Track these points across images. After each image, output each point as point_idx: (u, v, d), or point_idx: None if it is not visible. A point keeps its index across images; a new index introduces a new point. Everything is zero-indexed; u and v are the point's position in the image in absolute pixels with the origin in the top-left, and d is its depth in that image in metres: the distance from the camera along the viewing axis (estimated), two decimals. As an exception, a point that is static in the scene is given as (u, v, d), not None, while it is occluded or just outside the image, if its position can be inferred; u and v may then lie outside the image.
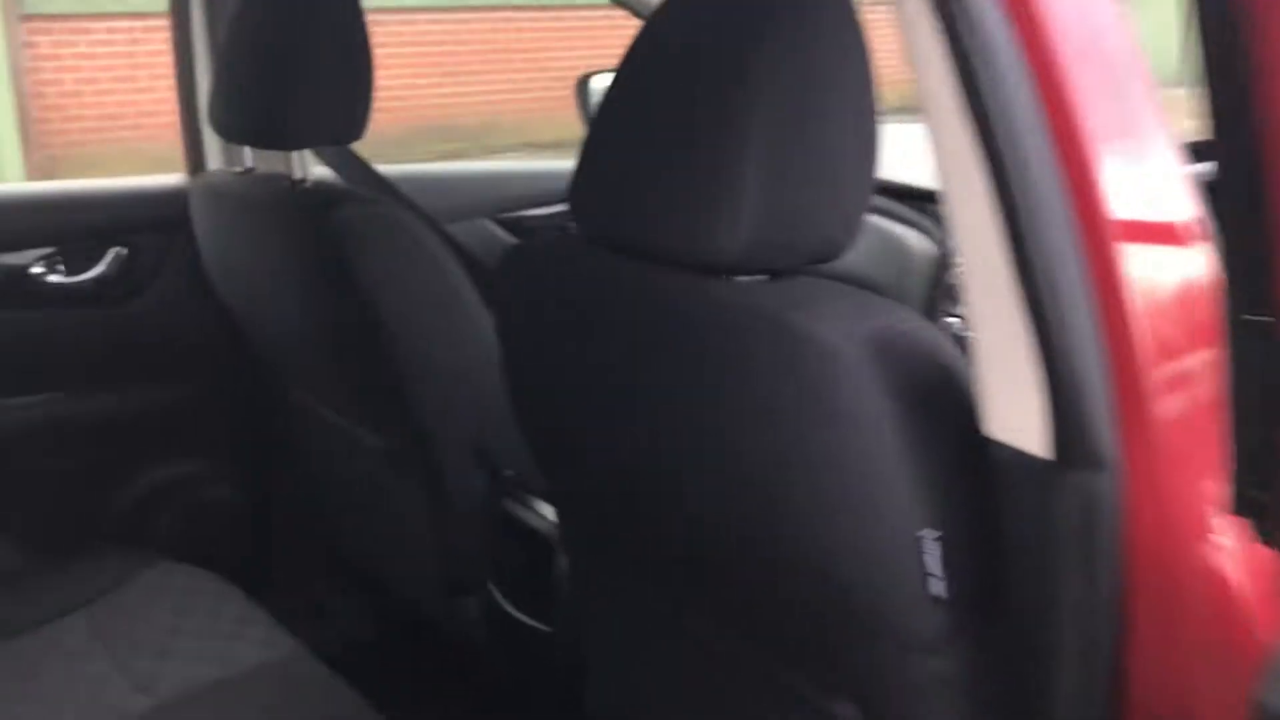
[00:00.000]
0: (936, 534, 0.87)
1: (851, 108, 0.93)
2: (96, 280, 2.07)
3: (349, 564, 2.23)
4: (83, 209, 2.05)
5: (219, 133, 1.75)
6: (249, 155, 1.90)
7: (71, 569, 1.80)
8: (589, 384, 1.15)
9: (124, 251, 2.07)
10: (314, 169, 2.19)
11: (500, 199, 2.39)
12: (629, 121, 1.02)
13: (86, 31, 7.36)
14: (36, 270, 2.01)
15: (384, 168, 2.14)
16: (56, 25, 7.29)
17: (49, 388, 2.04)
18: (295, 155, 1.71)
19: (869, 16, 0.96)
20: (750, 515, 0.99)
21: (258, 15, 1.62)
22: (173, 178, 2.13)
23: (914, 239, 2.04)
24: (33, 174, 7.03)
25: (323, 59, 1.58)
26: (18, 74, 6.99)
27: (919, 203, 2.07)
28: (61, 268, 2.04)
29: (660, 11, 1.01)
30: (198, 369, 2.18)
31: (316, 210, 1.59)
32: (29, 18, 7.11)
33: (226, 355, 2.18)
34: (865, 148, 0.94)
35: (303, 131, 1.62)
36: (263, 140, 1.68)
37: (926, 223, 2.05)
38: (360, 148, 1.85)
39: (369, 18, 1.60)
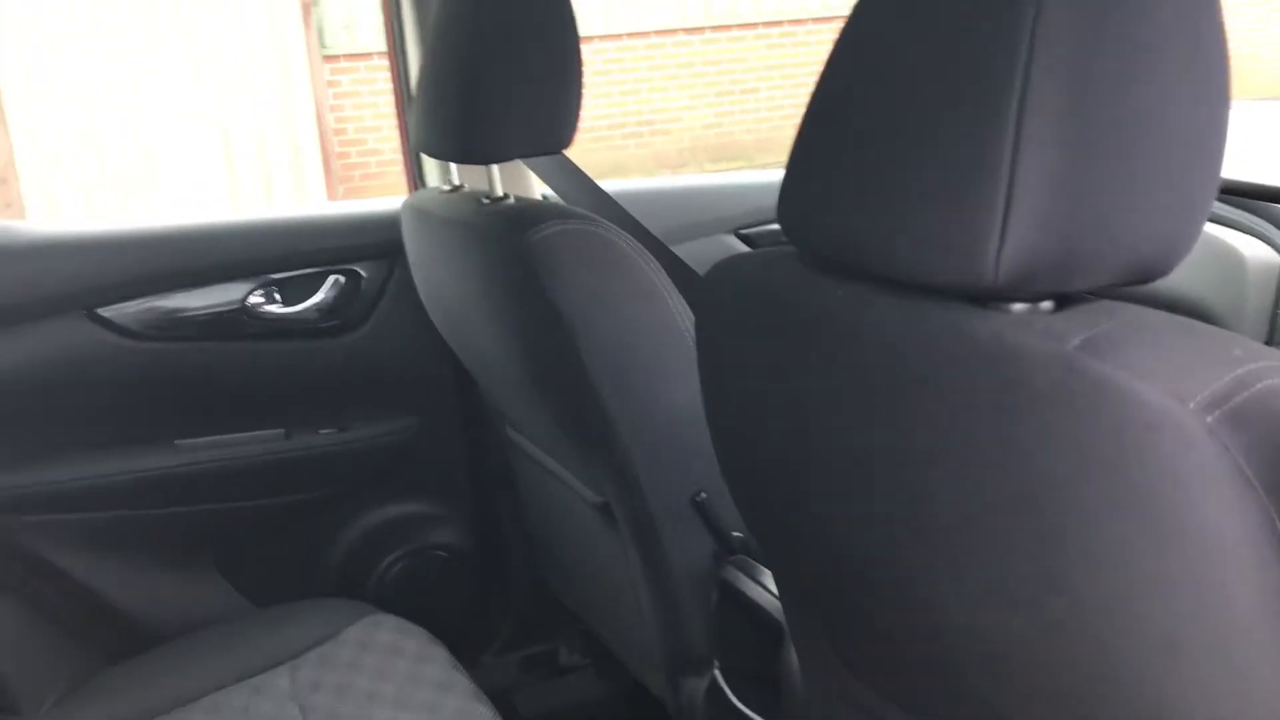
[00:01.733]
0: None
1: (1185, 74, 0.63)
2: (316, 310, 1.97)
3: (574, 624, 2.03)
4: (300, 236, 1.96)
5: (421, 150, 1.61)
6: (455, 173, 1.75)
7: (282, 619, 1.77)
8: (799, 434, 0.88)
9: (343, 280, 1.97)
10: (537, 187, 2.01)
11: (743, 212, 2.13)
12: (850, 114, 0.77)
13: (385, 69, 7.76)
14: (254, 301, 1.94)
15: (611, 183, 1.92)
16: (358, 63, 7.71)
17: (267, 423, 1.96)
18: (495, 170, 1.53)
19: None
20: (1038, 641, 0.67)
21: (455, 24, 1.46)
22: (392, 201, 2.01)
23: (1252, 248, 1.62)
24: (333, 206, 7.44)
25: (522, 66, 1.41)
26: (321, 111, 7.43)
27: (1257, 203, 1.66)
28: (279, 298, 1.95)
29: None
30: (420, 404, 2.05)
31: (511, 228, 1.40)
32: (332, 58, 7.56)
33: (448, 390, 2.04)
34: (1207, 128, 0.64)
35: (498, 143, 1.45)
36: (459, 154, 1.52)
37: (1267, 228, 1.63)
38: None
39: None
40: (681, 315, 1.43)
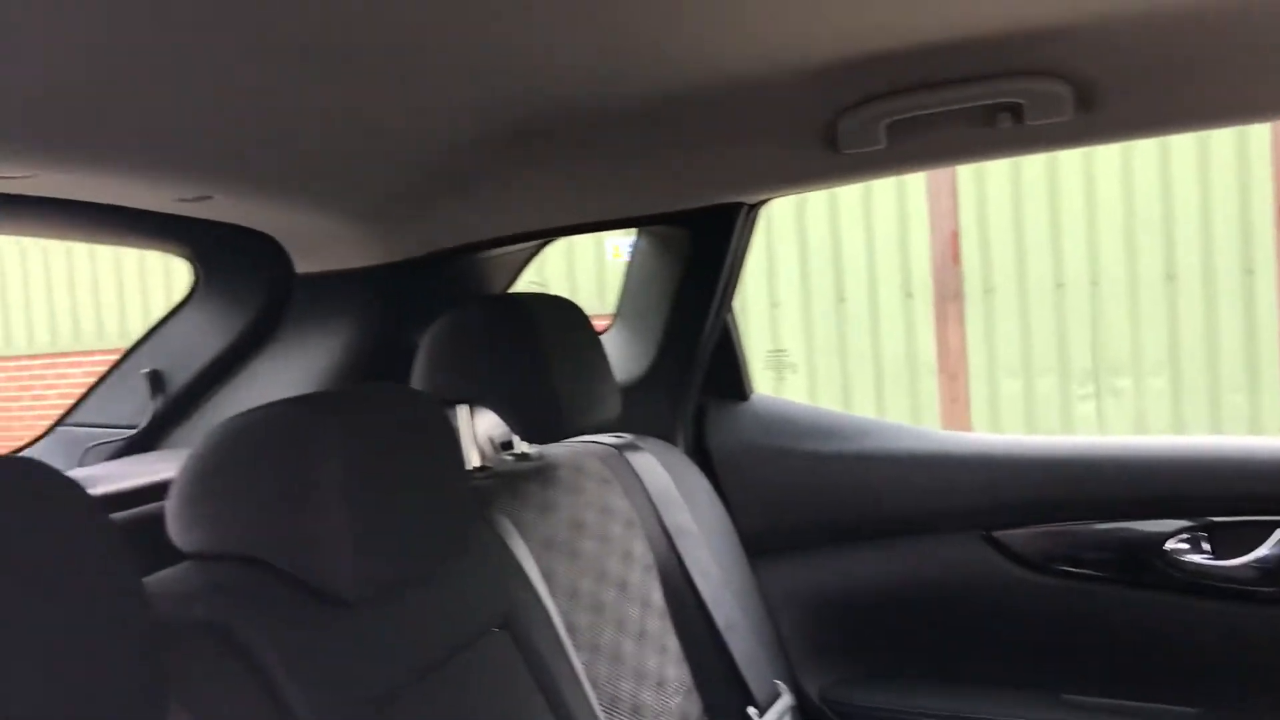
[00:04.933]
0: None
1: None
2: (1256, 568, 1.55)
3: None
4: (1254, 476, 1.57)
5: None
6: None
7: None
8: None
9: (1295, 534, 1.53)
10: None
11: None
12: None
13: None
14: (1176, 545, 1.58)
15: None
16: None
17: (1176, 696, 1.58)
18: None
19: None
20: None
21: None
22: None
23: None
24: None
25: None
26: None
27: None
28: (1209, 546, 1.57)
29: None
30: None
31: None
32: None
33: None
34: None
35: None
36: None
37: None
38: None
39: None
40: None
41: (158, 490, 1.35)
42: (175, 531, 1.01)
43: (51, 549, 0.68)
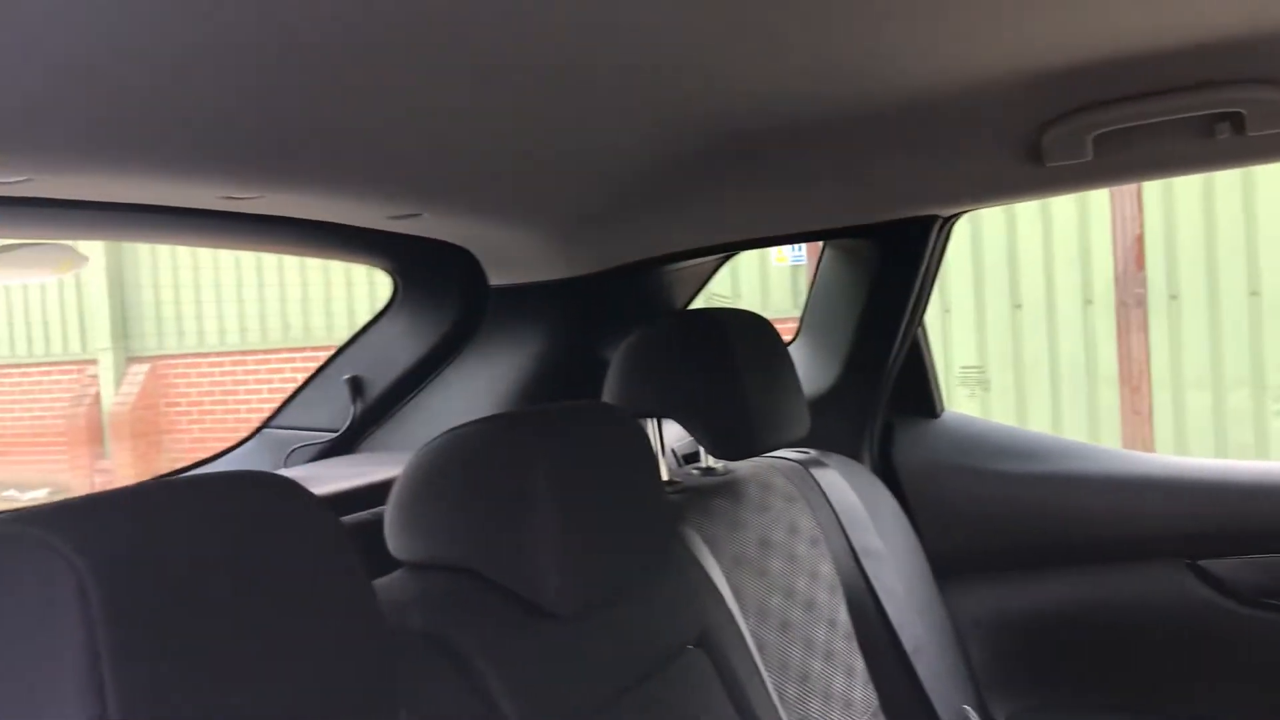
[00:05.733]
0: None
1: None
2: None
3: None
4: None
5: None
6: None
7: None
8: None
9: None
10: None
11: None
12: None
13: None
14: None
15: None
16: None
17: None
18: None
19: None
20: None
21: None
22: None
23: None
24: None
25: None
26: None
27: None
28: None
29: None
30: None
31: None
32: None
33: None
34: None
35: None
36: None
37: None
38: None
39: None
40: None
41: (368, 494, 1.41)
42: (392, 538, 1.05)
43: (296, 557, 0.72)
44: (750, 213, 1.62)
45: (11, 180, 0.99)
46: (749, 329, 1.44)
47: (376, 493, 1.26)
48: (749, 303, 6.10)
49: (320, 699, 0.70)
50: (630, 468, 1.10)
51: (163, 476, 1.70)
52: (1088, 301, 5.63)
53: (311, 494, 0.75)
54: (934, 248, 1.68)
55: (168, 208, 1.21)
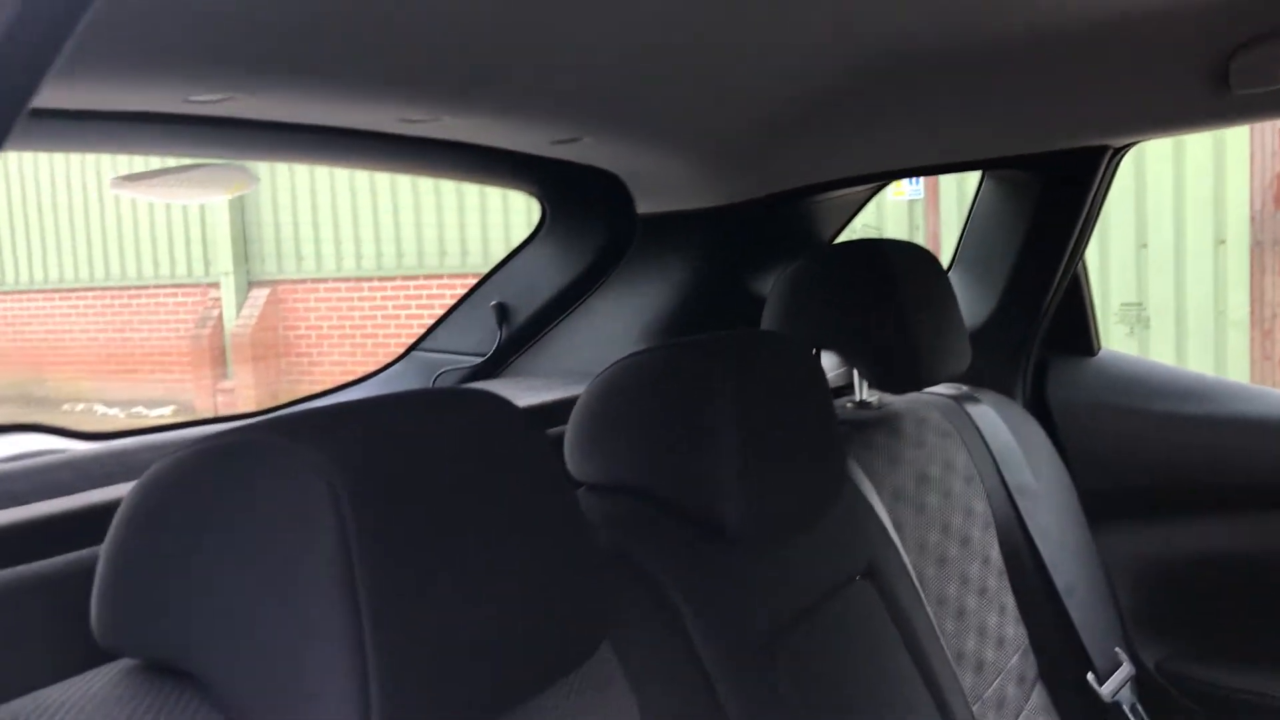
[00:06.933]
0: None
1: None
2: None
3: None
4: None
5: None
6: None
7: None
8: None
9: None
10: None
11: None
12: None
13: None
14: None
15: None
16: None
17: None
18: None
19: None
20: None
21: None
22: None
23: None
24: None
25: None
26: None
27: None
28: None
29: None
30: None
31: None
32: None
33: None
34: None
35: None
36: None
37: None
38: None
39: None
40: None
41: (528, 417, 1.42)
42: (572, 459, 1.06)
43: (520, 474, 0.72)
44: (907, 142, 1.57)
45: (212, 99, 1.01)
46: (914, 260, 1.41)
47: (534, 416, 1.27)
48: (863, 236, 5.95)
49: (541, 616, 0.71)
50: (807, 398, 1.10)
51: (327, 390, 1.75)
52: (1220, 241, 5.41)
53: (524, 413, 0.76)
54: (1101, 180, 1.62)
55: (346, 130, 1.22)
